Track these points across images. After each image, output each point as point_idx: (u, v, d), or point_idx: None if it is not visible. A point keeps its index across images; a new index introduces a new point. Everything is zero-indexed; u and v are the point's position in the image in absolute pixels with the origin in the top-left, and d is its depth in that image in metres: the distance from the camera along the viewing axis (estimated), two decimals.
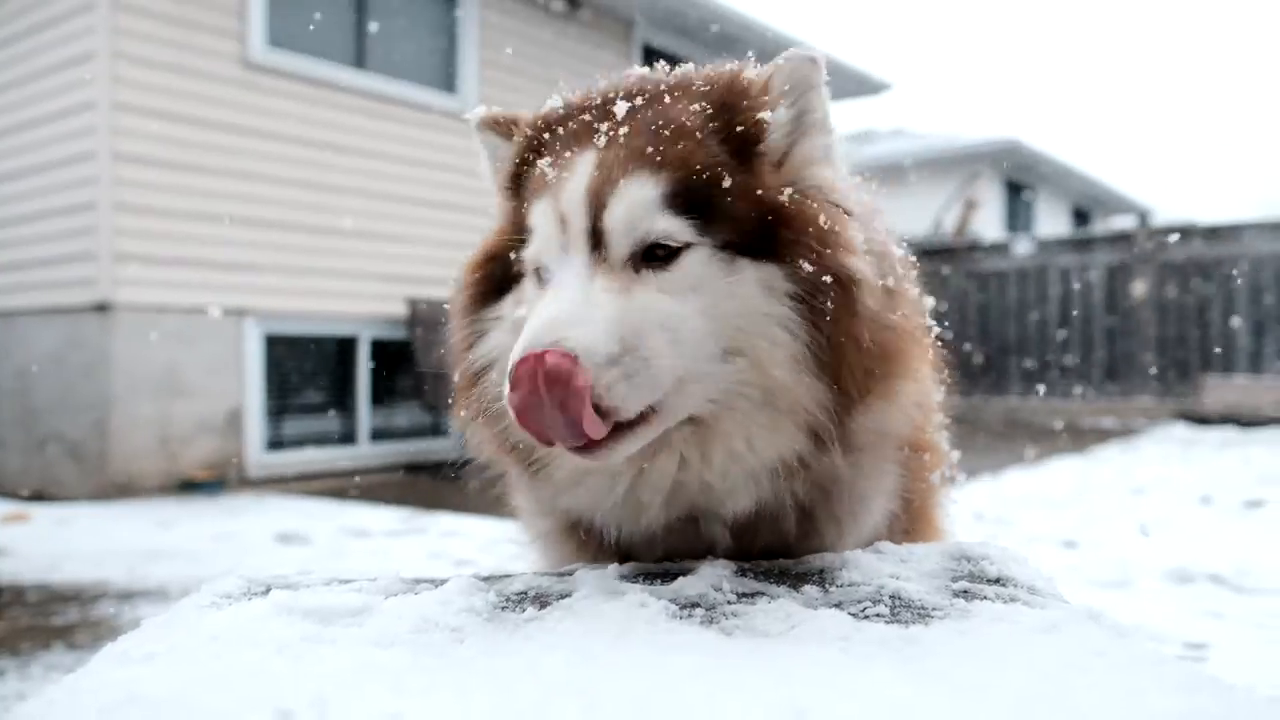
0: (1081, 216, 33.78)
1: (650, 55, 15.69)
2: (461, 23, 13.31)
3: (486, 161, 1.88)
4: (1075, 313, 17.94)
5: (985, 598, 1.54)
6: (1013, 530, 7.85)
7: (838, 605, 1.50)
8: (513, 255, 1.68)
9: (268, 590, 1.72)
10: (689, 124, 1.57)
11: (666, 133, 1.55)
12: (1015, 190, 29.32)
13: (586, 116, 1.64)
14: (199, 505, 9.52)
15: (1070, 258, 18.04)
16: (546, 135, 1.69)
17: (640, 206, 1.50)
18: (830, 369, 1.52)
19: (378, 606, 1.47)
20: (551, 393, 1.33)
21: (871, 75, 18.65)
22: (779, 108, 1.61)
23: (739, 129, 1.58)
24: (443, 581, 1.64)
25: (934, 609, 1.48)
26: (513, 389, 1.35)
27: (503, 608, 1.52)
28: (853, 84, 18.73)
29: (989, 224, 25.44)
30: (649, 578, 1.64)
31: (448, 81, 13.25)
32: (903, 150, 26.25)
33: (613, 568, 1.69)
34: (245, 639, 1.34)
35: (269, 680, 1.17)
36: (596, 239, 1.52)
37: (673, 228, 1.50)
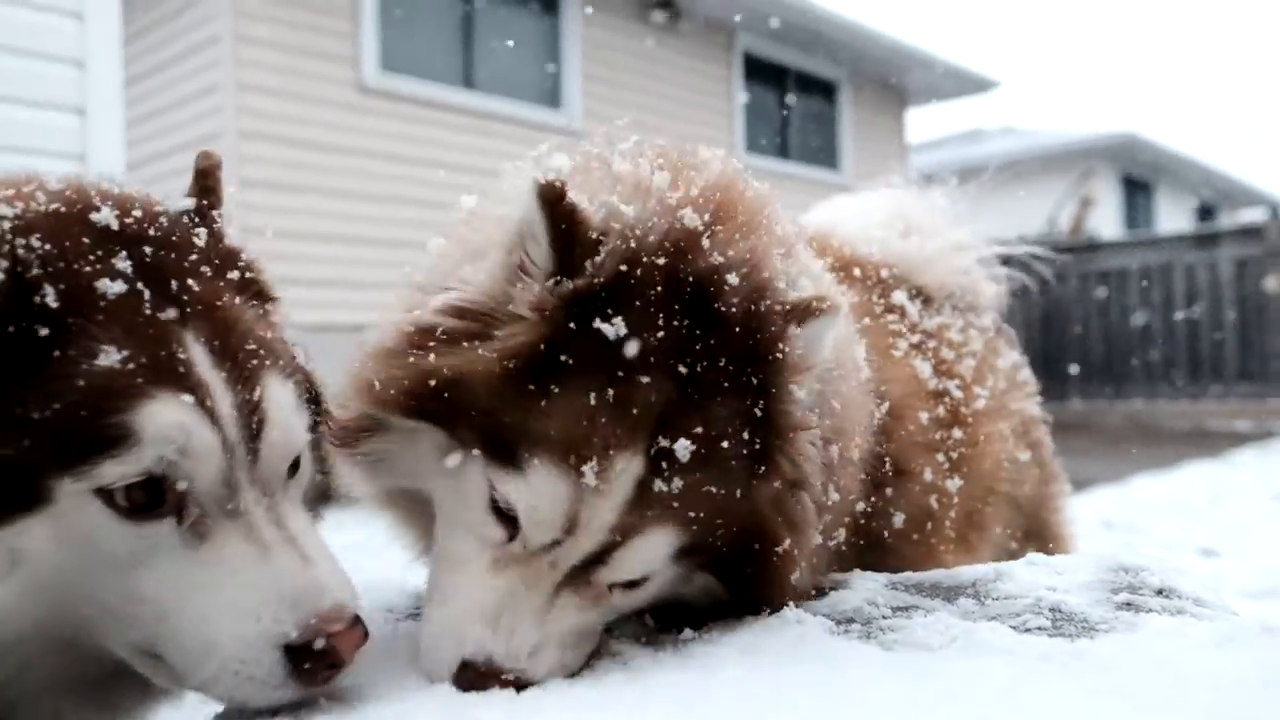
0: (1206, 211, 32.36)
1: (751, 63, 15.66)
2: (564, 38, 13.51)
3: (511, 226, 1.42)
4: (1202, 311, 17.20)
5: (1151, 610, 1.50)
6: (1146, 538, 7.55)
7: (995, 618, 1.48)
8: (464, 411, 1.35)
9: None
10: (730, 456, 1.35)
11: (709, 478, 1.33)
12: (1133, 186, 28.27)
13: (640, 372, 1.30)
14: (336, 516, 9.81)
15: (1196, 254, 17.31)
16: (591, 337, 1.31)
17: (653, 561, 1.36)
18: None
19: None
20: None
21: (979, 73, 18.23)
22: (804, 389, 1.43)
23: (769, 437, 1.38)
24: None
25: (1099, 622, 1.45)
26: (469, 684, 1.30)
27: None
28: (959, 83, 18.34)
29: (1106, 222, 24.58)
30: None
31: (553, 97, 13.46)
32: (1013, 148, 25.57)
33: None
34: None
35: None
36: (594, 560, 1.34)
37: (667, 571, 1.40)
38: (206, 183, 1.52)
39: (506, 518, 1.34)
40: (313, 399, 1.49)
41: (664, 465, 1.30)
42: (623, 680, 1.28)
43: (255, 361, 1.33)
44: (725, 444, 1.34)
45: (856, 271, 2.14)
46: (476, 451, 1.34)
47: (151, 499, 1.21)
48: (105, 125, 5.35)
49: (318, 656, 1.20)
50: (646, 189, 1.44)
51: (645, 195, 1.43)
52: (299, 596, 1.23)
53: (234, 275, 1.45)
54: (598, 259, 1.34)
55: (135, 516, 1.21)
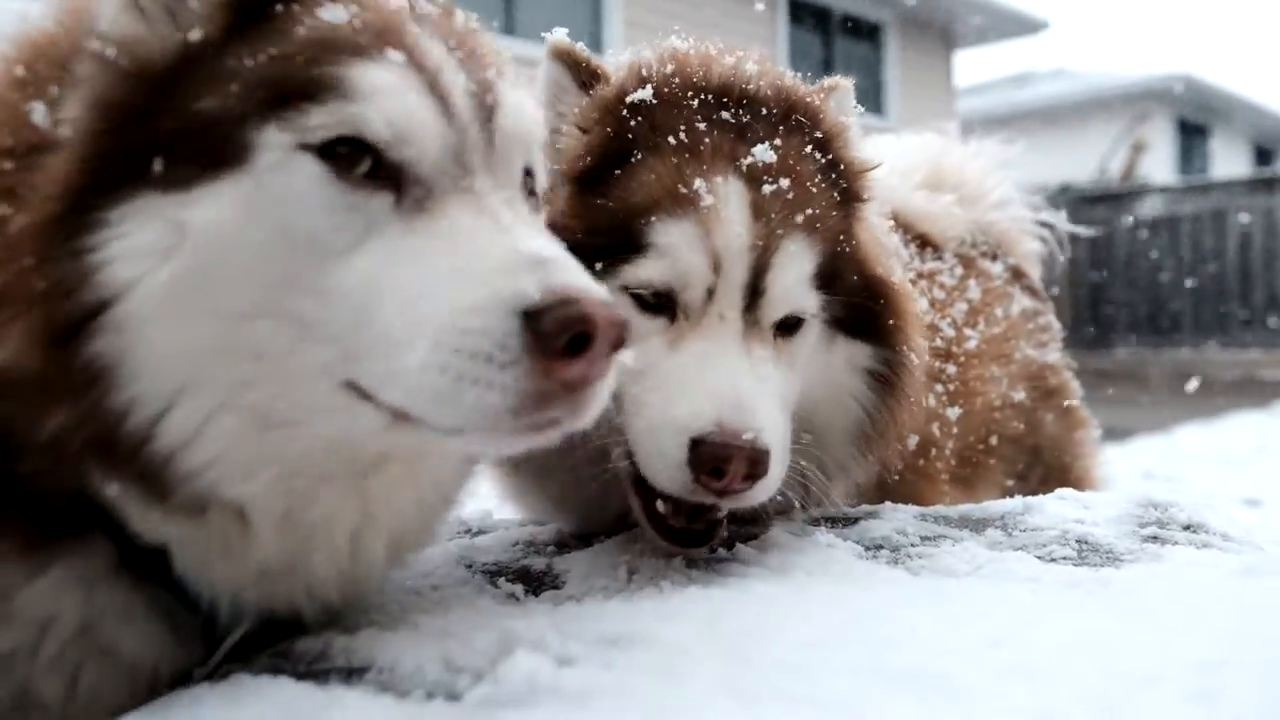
0: (1264, 155, 31.48)
1: (796, 7, 15.42)
2: None
3: (543, 91, 1.62)
4: (1257, 259, 16.83)
5: (1177, 543, 1.53)
6: (1187, 488, 7.50)
7: (1022, 549, 1.51)
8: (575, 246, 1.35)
9: (469, 530, 1.86)
10: (814, 177, 1.50)
11: (811, 190, 1.48)
12: (1188, 130, 27.55)
13: (704, 125, 1.48)
14: None
15: (1251, 200, 16.89)
16: (645, 123, 1.49)
17: (801, 280, 1.44)
18: (882, 446, 1.61)
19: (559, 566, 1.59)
20: (748, 481, 1.32)
21: (1028, 13, 17.81)
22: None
23: (842, 178, 1.55)
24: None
25: (1124, 553, 1.48)
26: (713, 466, 1.30)
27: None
28: (1008, 24, 17.92)
29: (1159, 166, 24.02)
30: (831, 522, 1.69)
31: (594, 43, 13.36)
32: (1063, 91, 25.00)
33: (796, 512, 1.71)
34: (457, 578, 1.47)
35: (490, 605, 1.29)
36: (752, 295, 1.42)
37: (811, 304, 1.46)
38: None
39: (659, 308, 1.43)
40: None
41: (760, 175, 1.44)
42: (654, 595, 1.33)
43: (493, 67, 1.26)
44: (805, 166, 1.50)
45: None
46: (598, 267, 1.40)
47: (369, 169, 1.07)
48: None
49: (564, 327, 0.97)
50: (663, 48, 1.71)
51: (658, 51, 1.70)
52: (542, 263, 1.03)
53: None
54: (621, 74, 1.59)
55: (348, 178, 1.06)
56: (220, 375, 1.07)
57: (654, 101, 1.51)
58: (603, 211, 1.44)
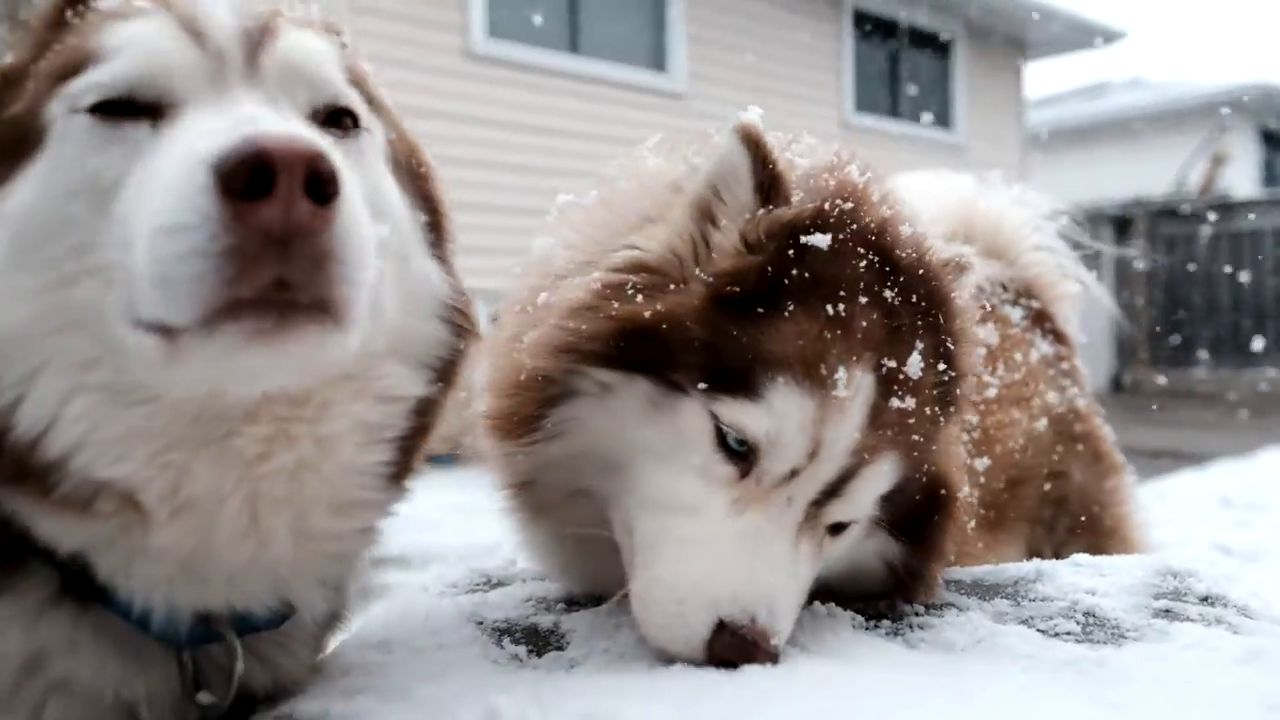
0: None
1: (861, 20, 15.32)
2: (670, 1, 13.45)
3: (711, 164, 1.46)
4: None
5: (1188, 619, 1.50)
6: (1267, 516, 7.25)
7: (1027, 621, 1.50)
8: (679, 349, 1.36)
9: (489, 582, 1.90)
10: (937, 391, 1.44)
11: (926, 409, 1.41)
12: (1272, 140, 26.68)
13: (865, 300, 1.36)
14: (436, 477, 10.17)
15: None
16: (809, 274, 1.36)
17: (877, 494, 1.40)
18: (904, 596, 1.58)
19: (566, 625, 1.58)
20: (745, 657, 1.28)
21: (1103, 23, 17.45)
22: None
23: (953, 390, 1.48)
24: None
25: (1129, 629, 1.46)
26: (723, 648, 1.27)
27: None
28: (1082, 34, 17.58)
29: (1241, 179, 23.32)
30: None
31: (658, 60, 13.44)
32: (1140, 102, 24.41)
33: None
34: (464, 637, 1.50)
35: (484, 675, 1.32)
36: (829, 493, 1.35)
37: (871, 511, 1.43)
38: None
39: (736, 454, 1.34)
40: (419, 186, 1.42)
41: (894, 384, 1.36)
42: (644, 666, 1.34)
43: (280, 12, 1.25)
44: (930, 373, 1.41)
45: None
46: (700, 386, 1.33)
47: (130, 111, 1.12)
48: None
49: (239, 167, 0.94)
50: (804, 149, 1.55)
51: (809, 152, 1.53)
52: (252, 120, 1.04)
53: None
54: (800, 194, 1.42)
55: (111, 121, 1.11)
56: (63, 354, 1.09)
57: (824, 253, 1.36)
58: (731, 336, 1.33)
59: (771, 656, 1.26)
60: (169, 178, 0.99)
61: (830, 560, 1.45)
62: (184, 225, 0.95)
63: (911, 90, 16.22)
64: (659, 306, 1.36)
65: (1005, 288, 2.47)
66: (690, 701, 1.16)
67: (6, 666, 1.19)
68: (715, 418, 1.33)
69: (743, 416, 1.31)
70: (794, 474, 1.32)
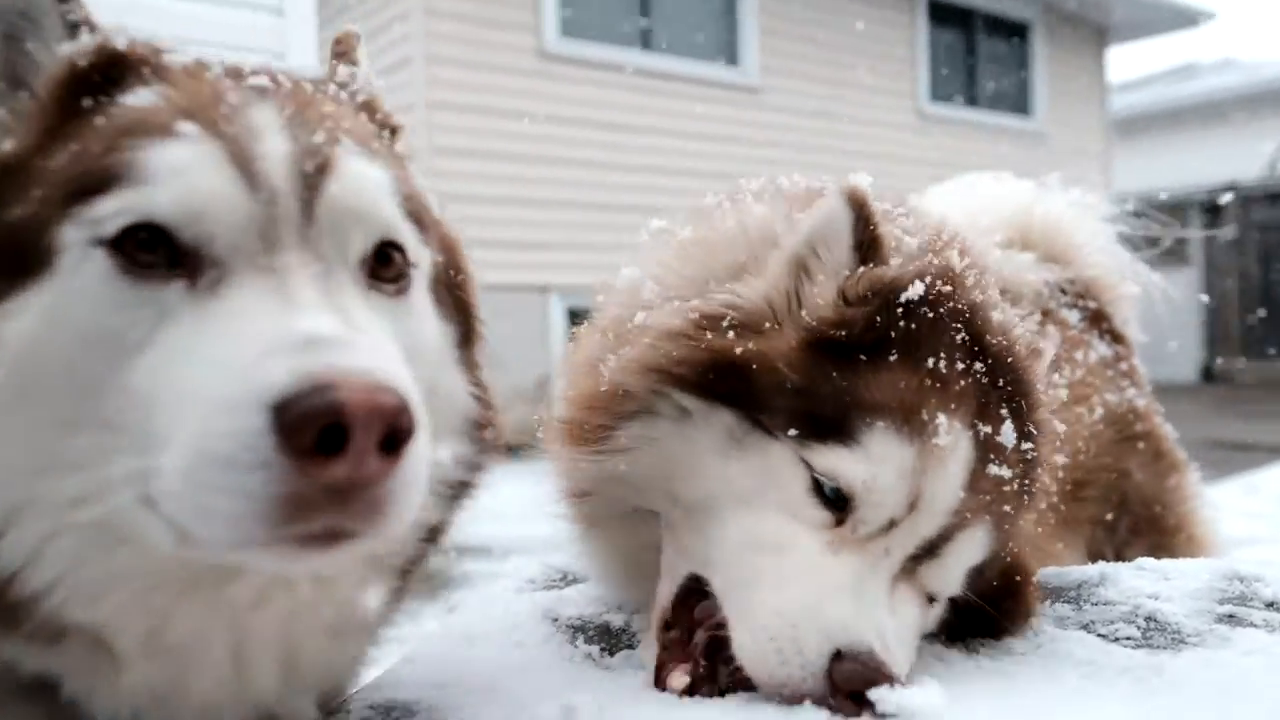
0: None
1: (936, 8, 15.09)
2: None
3: (813, 222, 1.45)
4: None
5: (1251, 624, 1.51)
6: None
7: (1087, 626, 1.53)
8: (768, 388, 1.36)
9: (564, 579, 1.98)
10: (1025, 476, 1.42)
11: (1019, 491, 1.41)
12: None
13: (961, 363, 1.37)
14: (515, 468, 10.39)
15: None
16: (910, 326, 1.36)
17: (968, 564, 1.39)
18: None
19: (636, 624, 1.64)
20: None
21: (1190, 4, 16.91)
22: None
23: (1032, 478, 1.45)
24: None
25: (1190, 635, 1.48)
26: (843, 681, 1.22)
27: None
28: (1168, 16, 17.07)
29: None
30: None
31: (729, 54, 13.43)
32: (1230, 84, 23.54)
33: None
34: (541, 635, 1.59)
35: (562, 674, 1.40)
36: (923, 551, 1.34)
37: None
38: (339, 49, 1.43)
39: (830, 501, 1.32)
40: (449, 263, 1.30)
41: (990, 449, 1.35)
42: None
43: (336, 133, 1.11)
44: (1017, 450, 1.40)
45: None
46: (791, 432, 1.33)
47: (162, 258, 0.99)
48: None
49: (309, 421, 0.84)
50: (911, 226, 1.54)
51: (917, 230, 1.53)
52: (314, 343, 0.91)
53: (346, 95, 1.29)
54: (899, 259, 1.43)
55: (138, 273, 0.98)
56: (51, 494, 0.99)
57: (924, 309, 1.37)
58: (826, 382, 1.33)
59: (881, 684, 1.21)
60: (218, 395, 0.88)
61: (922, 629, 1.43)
62: (234, 462, 0.85)
63: (988, 78, 15.94)
64: (752, 346, 1.37)
65: (1064, 291, 2.47)
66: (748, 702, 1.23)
67: None
68: (808, 465, 1.32)
69: (838, 463, 1.30)
70: (891, 525, 1.31)
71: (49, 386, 0.99)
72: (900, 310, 1.36)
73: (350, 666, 1.31)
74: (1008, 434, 1.36)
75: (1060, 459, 2.14)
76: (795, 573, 1.29)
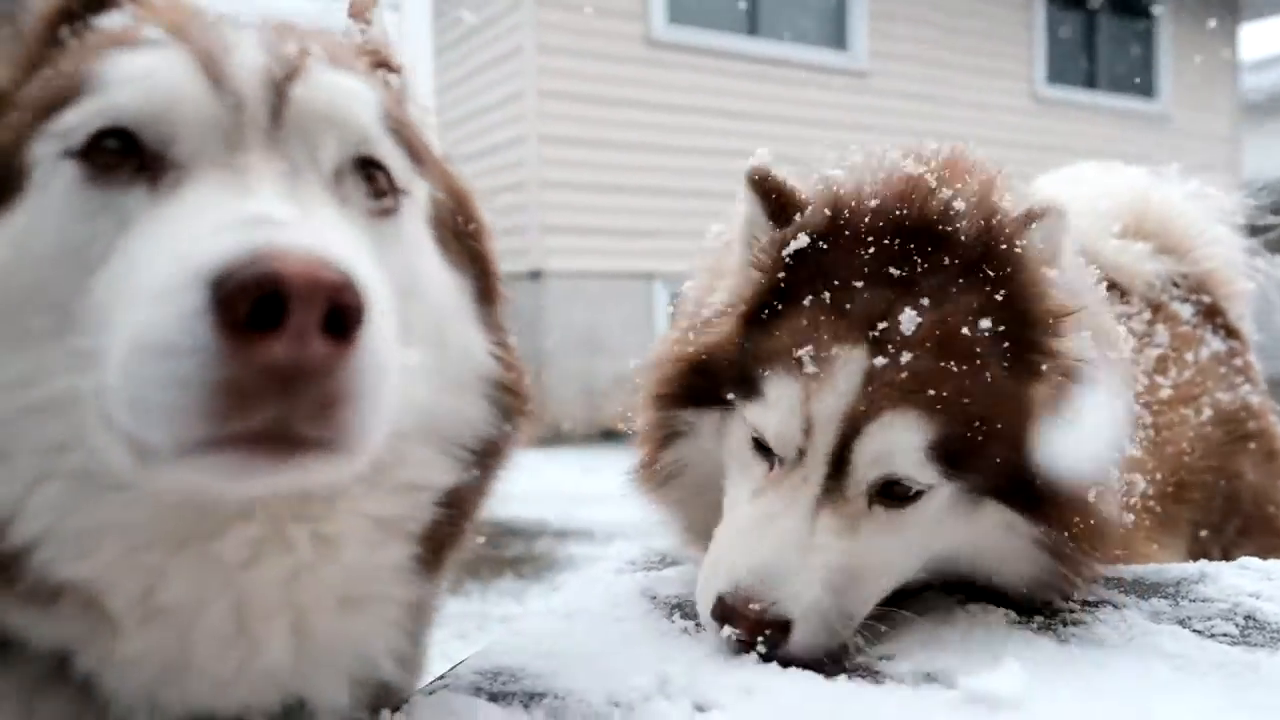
0: None
1: None
2: None
3: (740, 224, 1.62)
4: None
5: None
6: None
7: (1183, 621, 1.53)
8: (723, 376, 1.55)
9: (662, 560, 2.05)
10: (973, 343, 1.43)
11: (949, 363, 1.41)
12: None
13: (860, 282, 1.46)
14: (618, 453, 10.53)
15: None
16: (803, 272, 1.50)
17: (898, 451, 1.41)
18: (1062, 582, 1.53)
19: None
20: (760, 643, 1.38)
21: None
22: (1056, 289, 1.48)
23: (1022, 329, 1.45)
24: None
25: None
26: (725, 623, 1.39)
27: None
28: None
29: None
30: None
31: (838, 38, 13.27)
32: None
33: None
34: (639, 610, 1.66)
35: (657, 645, 1.48)
36: (838, 462, 1.42)
37: (924, 475, 1.42)
38: (353, 11, 1.36)
39: (765, 450, 1.49)
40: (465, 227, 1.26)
41: (888, 345, 1.41)
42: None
43: (312, 50, 1.08)
44: (962, 330, 1.42)
45: None
46: (733, 397, 1.54)
47: (128, 165, 0.98)
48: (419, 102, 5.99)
49: (244, 291, 0.78)
50: (878, 161, 1.61)
51: (873, 164, 1.60)
52: (261, 222, 0.87)
53: (342, 38, 1.27)
54: (806, 212, 1.55)
55: (103, 177, 0.97)
56: (34, 437, 0.96)
57: (821, 248, 1.50)
58: (745, 350, 1.52)
59: (760, 623, 1.36)
60: (157, 281, 0.84)
61: (921, 533, 1.47)
62: (169, 348, 0.80)
63: (1109, 58, 15.38)
64: (705, 340, 1.59)
65: (1177, 284, 2.43)
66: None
67: None
68: (747, 423, 1.51)
69: (754, 415, 1.49)
70: (802, 455, 1.44)
71: (23, 318, 0.96)
72: (790, 262, 1.52)
73: (380, 646, 1.17)
74: (908, 323, 1.41)
75: (1161, 458, 2.12)
76: (724, 527, 1.52)
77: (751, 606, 1.36)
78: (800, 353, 1.44)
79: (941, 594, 1.63)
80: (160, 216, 0.93)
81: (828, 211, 1.52)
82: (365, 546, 1.09)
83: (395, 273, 1.04)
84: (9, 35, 1.11)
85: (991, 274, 1.46)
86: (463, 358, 1.18)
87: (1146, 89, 15.65)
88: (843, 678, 1.35)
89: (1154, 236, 2.38)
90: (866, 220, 1.50)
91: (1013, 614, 1.58)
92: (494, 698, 1.37)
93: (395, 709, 1.29)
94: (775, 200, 1.57)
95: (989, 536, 1.50)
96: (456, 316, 1.18)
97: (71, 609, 1.00)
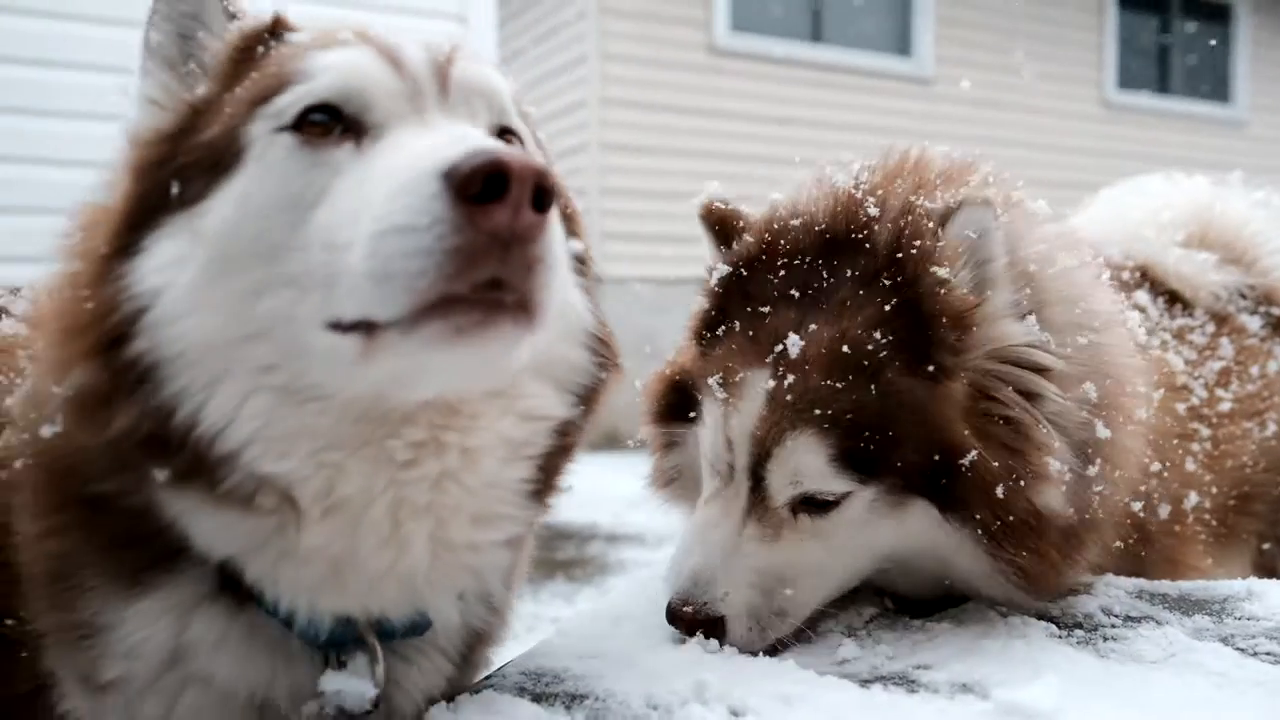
0: None
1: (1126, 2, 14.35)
2: None
3: (709, 251, 1.81)
4: None
5: None
6: None
7: (1226, 639, 1.52)
8: (690, 395, 1.72)
9: None
10: (866, 356, 1.48)
11: (841, 380, 1.47)
12: None
13: (768, 308, 1.58)
14: None
15: None
16: (732, 299, 1.66)
17: (804, 469, 1.49)
18: (1019, 576, 1.51)
19: None
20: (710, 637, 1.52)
21: None
22: (959, 270, 1.50)
23: (923, 330, 1.48)
24: None
25: None
26: (672, 624, 1.56)
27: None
28: None
29: None
30: None
31: (902, 45, 13.16)
32: None
33: None
34: None
35: (697, 651, 1.51)
36: (758, 478, 1.54)
37: (836, 486, 1.49)
38: None
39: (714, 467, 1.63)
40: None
41: (782, 368, 1.51)
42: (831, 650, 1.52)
43: (460, 49, 1.36)
44: (856, 343, 1.48)
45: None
46: (696, 419, 1.68)
47: (333, 131, 1.21)
48: None
49: (477, 172, 1.01)
50: (818, 178, 1.74)
51: (812, 183, 1.73)
52: (468, 137, 1.14)
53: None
54: (741, 240, 1.70)
55: (315, 141, 1.19)
56: (247, 360, 1.17)
57: (746, 272, 1.66)
58: (689, 375, 1.72)
59: (696, 621, 1.51)
60: (396, 184, 1.06)
61: (851, 536, 1.54)
62: (414, 226, 1.02)
63: (1184, 62, 15.03)
64: (678, 362, 1.78)
65: (1244, 295, 2.39)
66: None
67: (149, 657, 1.29)
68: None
69: (700, 434, 1.65)
70: (733, 470, 1.57)
71: (244, 259, 1.17)
72: (718, 291, 1.68)
73: (491, 568, 1.36)
74: (794, 347, 1.50)
75: (1221, 471, 2.10)
76: (683, 533, 1.68)
77: (686, 609, 1.52)
78: (713, 378, 1.59)
79: (983, 606, 1.64)
80: (371, 158, 1.16)
81: (755, 237, 1.67)
82: (498, 461, 1.30)
83: None
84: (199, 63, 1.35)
85: (895, 280, 1.51)
86: (571, 309, 1.37)
87: (1222, 93, 15.25)
88: (878, 686, 1.38)
89: (1219, 247, 2.36)
90: (786, 241, 1.62)
91: (1053, 628, 1.59)
92: (537, 698, 1.42)
93: (448, 702, 1.41)
94: (720, 231, 1.75)
95: (925, 535, 1.53)
96: (566, 272, 1.36)
97: (267, 504, 1.19)
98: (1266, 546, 2.20)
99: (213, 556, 1.25)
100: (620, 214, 11.45)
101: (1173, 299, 2.30)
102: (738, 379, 1.55)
